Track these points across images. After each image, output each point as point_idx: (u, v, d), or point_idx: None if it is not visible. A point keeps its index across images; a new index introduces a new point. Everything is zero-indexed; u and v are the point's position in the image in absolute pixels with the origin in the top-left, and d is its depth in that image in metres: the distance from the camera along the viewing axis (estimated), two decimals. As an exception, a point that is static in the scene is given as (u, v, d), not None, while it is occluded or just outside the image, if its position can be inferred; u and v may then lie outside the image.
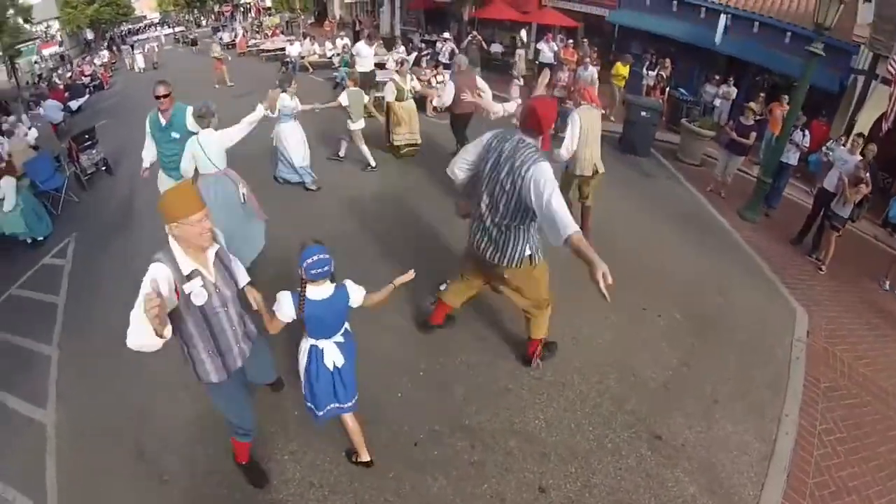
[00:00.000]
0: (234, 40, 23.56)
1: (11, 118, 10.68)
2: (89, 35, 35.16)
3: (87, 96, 16.14)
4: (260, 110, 4.11)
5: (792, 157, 6.77)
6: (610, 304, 4.17)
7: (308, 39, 16.70)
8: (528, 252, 2.93)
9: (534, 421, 3.10)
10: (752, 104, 7.05)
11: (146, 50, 23.65)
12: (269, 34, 23.48)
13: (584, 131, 4.47)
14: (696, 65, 11.98)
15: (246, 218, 4.13)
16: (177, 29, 39.94)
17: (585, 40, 12.40)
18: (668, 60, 10.64)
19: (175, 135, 4.26)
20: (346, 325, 2.53)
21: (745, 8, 10.95)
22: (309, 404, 2.55)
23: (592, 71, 9.11)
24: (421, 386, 3.33)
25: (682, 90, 10.34)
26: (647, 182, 7.54)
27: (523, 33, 13.47)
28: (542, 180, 2.51)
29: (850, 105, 9.34)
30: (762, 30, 10.73)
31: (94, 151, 7.87)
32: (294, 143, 5.99)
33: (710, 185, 7.34)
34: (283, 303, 2.30)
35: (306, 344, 2.46)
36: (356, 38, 18.59)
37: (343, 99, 6.31)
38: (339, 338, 2.47)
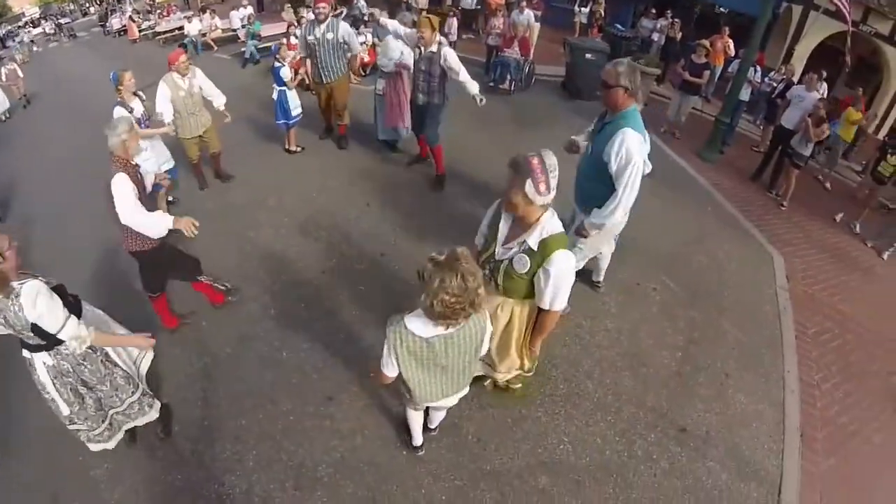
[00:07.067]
0: (124, 27, 19.23)
1: None
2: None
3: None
4: None
5: (745, 94, 6.71)
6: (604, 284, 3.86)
7: (208, 14, 14.26)
8: None
9: (558, 447, 2.78)
10: (703, 41, 6.82)
11: (4, 75, 11.71)
12: (164, 13, 19.65)
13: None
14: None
15: None
16: (62, 20, 33.02)
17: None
18: (601, -7, 10.12)
19: None
20: None
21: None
22: None
23: (529, 14, 8.08)
24: (429, 435, 2.79)
25: (618, 26, 9.92)
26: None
27: None
28: None
29: (786, 34, 9.51)
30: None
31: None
32: None
33: (662, 126, 7.17)
34: None
35: None
36: (260, 7, 16.25)
37: None
38: None
